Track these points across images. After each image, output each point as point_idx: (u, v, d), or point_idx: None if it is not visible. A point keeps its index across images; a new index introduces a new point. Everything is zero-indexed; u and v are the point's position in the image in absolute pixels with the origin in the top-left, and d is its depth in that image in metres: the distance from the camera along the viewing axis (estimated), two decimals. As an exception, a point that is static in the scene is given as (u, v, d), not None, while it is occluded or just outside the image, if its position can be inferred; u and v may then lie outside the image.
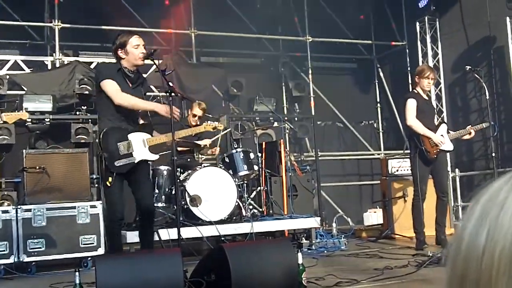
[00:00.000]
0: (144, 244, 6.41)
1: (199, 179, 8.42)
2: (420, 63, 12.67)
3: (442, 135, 8.33)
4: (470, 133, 8.49)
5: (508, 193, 0.89)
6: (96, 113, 6.86)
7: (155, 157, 6.30)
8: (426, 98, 8.53)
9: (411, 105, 8.28)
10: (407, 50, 13.82)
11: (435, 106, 12.33)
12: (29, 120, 9.79)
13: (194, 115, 9.39)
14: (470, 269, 0.88)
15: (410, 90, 8.62)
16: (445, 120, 12.08)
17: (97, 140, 6.20)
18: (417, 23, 12.83)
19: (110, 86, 6.08)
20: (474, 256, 0.87)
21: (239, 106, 12.44)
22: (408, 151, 8.83)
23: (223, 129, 8.03)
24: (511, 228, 0.85)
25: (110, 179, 5.99)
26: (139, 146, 6.15)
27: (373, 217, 10.94)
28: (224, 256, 5.24)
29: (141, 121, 6.43)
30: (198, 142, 9.00)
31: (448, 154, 9.00)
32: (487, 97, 8.66)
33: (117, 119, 6.12)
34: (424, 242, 8.18)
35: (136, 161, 6.11)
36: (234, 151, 9.18)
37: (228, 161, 9.07)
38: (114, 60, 6.37)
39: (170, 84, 6.13)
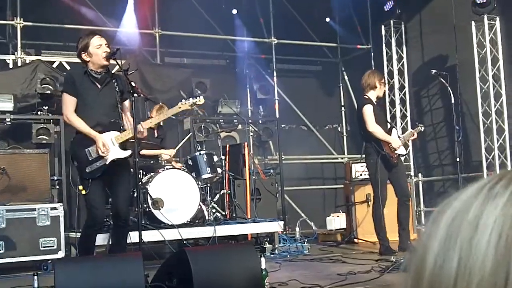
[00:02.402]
0: (115, 250, 6.30)
1: (161, 181, 8.35)
2: (385, 67, 12.73)
3: (397, 139, 8.38)
4: (413, 134, 8.59)
5: (480, 210, 0.74)
6: (58, 114, 6.76)
7: (127, 153, 6.17)
8: (376, 103, 8.53)
9: (369, 111, 8.28)
10: (372, 54, 13.88)
11: (399, 111, 12.44)
12: (-11, 120, 9.63)
13: None
14: None
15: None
16: (409, 124, 12.16)
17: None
18: (383, 27, 12.87)
19: (66, 102, 6.10)
20: (443, 286, 0.73)
21: (203, 108, 12.35)
22: (364, 157, 8.81)
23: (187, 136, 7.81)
24: (489, 255, 0.71)
25: (81, 187, 5.94)
26: (109, 146, 6.05)
27: (336, 221, 10.95)
28: (186, 261, 5.18)
29: (128, 114, 6.29)
30: (163, 152, 8.95)
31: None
32: (452, 101, 8.71)
33: (88, 123, 6.03)
34: (391, 248, 8.16)
35: (107, 162, 6.02)
36: (197, 153, 9.13)
37: (191, 163, 9.02)
38: (78, 60, 6.33)
39: (133, 84, 6.05)
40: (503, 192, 0.75)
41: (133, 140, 6.08)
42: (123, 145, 6.18)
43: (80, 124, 6.01)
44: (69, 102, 6.09)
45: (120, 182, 6.21)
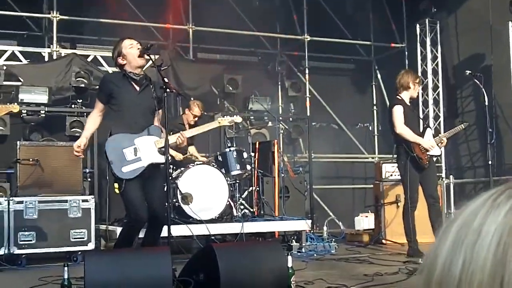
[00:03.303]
0: (148, 244, 6.30)
1: (191, 177, 8.41)
2: (419, 66, 12.65)
3: (429, 140, 8.30)
4: (442, 142, 8.47)
5: (484, 219, 0.83)
6: (91, 107, 6.83)
7: (163, 158, 6.19)
8: (409, 104, 8.47)
9: (399, 112, 8.21)
10: (406, 53, 13.79)
11: (432, 111, 12.35)
12: (25, 111, 9.77)
13: (195, 116, 9.35)
14: None
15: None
16: (442, 125, 12.08)
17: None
18: (417, 25, 12.77)
19: (95, 105, 6.29)
20: (449, 287, 0.82)
21: (234, 104, 12.41)
22: (395, 158, 8.75)
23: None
24: (489, 259, 0.79)
25: (117, 185, 5.95)
26: (148, 149, 6.06)
27: (365, 221, 10.92)
28: (214, 256, 5.23)
29: (157, 123, 6.35)
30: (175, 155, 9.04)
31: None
32: (486, 103, 8.63)
33: (125, 124, 6.08)
34: (419, 251, 8.12)
35: (145, 165, 6.04)
36: (227, 150, 9.17)
37: (221, 159, 9.06)
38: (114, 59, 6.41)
39: (166, 80, 6.09)
40: (506, 202, 0.84)
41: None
42: (161, 150, 6.21)
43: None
44: (95, 105, 6.27)
45: (155, 185, 6.20)
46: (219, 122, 7.24)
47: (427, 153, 8.20)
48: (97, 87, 6.90)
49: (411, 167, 8.16)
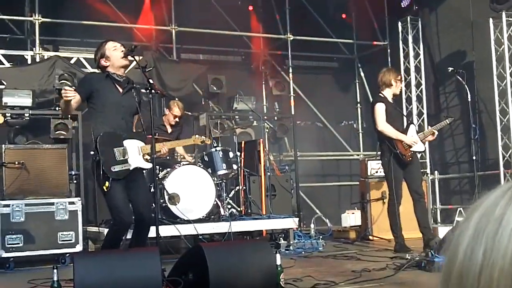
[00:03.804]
0: (135, 245, 6.28)
1: (178, 177, 8.42)
2: (402, 64, 12.71)
3: (412, 136, 8.36)
4: (433, 134, 8.53)
5: (505, 208, 0.84)
6: (76, 109, 6.77)
7: (149, 165, 6.18)
8: (391, 101, 8.53)
9: (381, 109, 8.27)
10: (389, 50, 13.85)
11: (415, 108, 12.42)
12: (9, 115, 9.73)
13: (175, 116, 9.37)
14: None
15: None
16: (426, 121, 12.15)
17: (93, 145, 6.07)
18: (399, 23, 12.84)
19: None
20: (470, 275, 0.83)
21: (218, 104, 12.42)
22: (379, 155, 8.81)
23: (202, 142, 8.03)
24: (509, 247, 0.81)
25: (107, 183, 5.88)
26: (134, 153, 6.06)
27: (351, 218, 10.97)
28: (203, 256, 5.24)
29: (134, 129, 6.35)
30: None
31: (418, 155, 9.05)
32: (469, 99, 8.69)
33: (108, 125, 6.04)
34: (406, 246, 8.18)
35: (131, 168, 6.03)
36: (213, 149, 9.18)
37: (207, 159, 9.08)
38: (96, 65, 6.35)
39: (151, 81, 6.09)
40: None
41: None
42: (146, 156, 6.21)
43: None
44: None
45: (140, 187, 6.18)
46: (194, 141, 7.80)
47: (410, 149, 8.25)
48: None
49: (395, 164, 8.22)
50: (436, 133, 8.59)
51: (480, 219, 0.86)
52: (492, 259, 0.81)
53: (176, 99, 9.87)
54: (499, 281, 0.80)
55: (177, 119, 9.39)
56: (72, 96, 5.78)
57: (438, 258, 6.26)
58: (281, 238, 9.14)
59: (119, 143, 6.01)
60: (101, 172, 5.87)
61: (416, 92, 12.57)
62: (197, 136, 7.73)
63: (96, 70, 6.67)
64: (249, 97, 12.23)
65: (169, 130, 9.39)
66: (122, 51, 6.09)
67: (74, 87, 6.28)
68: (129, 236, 6.55)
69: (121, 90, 6.10)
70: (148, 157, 6.10)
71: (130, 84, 6.21)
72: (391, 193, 8.36)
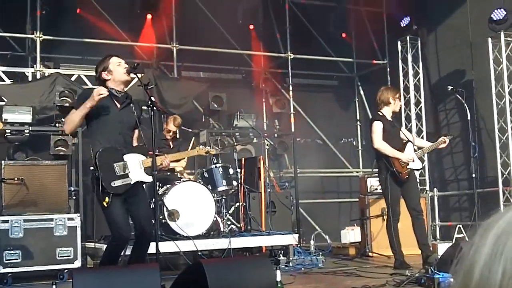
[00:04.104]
0: (135, 261, 6.25)
1: (177, 193, 8.42)
2: (401, 82, 12.76)
3: (409, 154, 8.38)
4: (444, 142, 8.54)
5: None
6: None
7: (150, 178, 6.21)
8: (391, 119, 8.56)
9: (378, 127, 8.31)
10: (388, 69, 13.92)
11: (414, 126, 12.44)
12: (9, 131, 9.75)
13: (169, 131, 9.43)
14: None
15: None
16: (425, 139, 12.17)
17: (92, 161, 6.07)
18: (399, 42, 12.91)
19: (70, 115, 6.16)
20: None
21: (219, 121, 12.46)
22: (377, 171, 8.83)
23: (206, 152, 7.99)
24: None
25: (107, 199, 5.86)
26: (135, 167, 6.07)
27: (351, 235, 10.96)
28: (203, 272, 5.22)
29: (135, 143, 6.35)
30: (175, 165, 9.06)
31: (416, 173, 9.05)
32: (468, 117, 8.71)
33: (106, 141, 6.06)
34: (405, 263, 8.17)
35: (132, 182, 6.04)
36: (213, 166, 9.19)
37: (207, 176, 9.08)
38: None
39: (152, 98, 6.11)
40: None
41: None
42: (148, 170, 6.21)
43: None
44: (70, 114, 6.16)
45: (140, 202, 6.18)
46: (198, 152, 7.67)
47: (407, 167, 8.27)
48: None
49: (391, 181, 8.25)
50: (447, 140, 8.55)
51: (497, 238, 0.82)
52: None
53: (172, 116, 9.87)
54: None
55: (171, 134, 9.43)
56: (106, 93, 5.85)
57: (438, 275, 6.25)
58: (280, 255, 9.12)
59: (119, 158, 6.01)
60: (101, 188, 5.87)
61: (415, 110, 12.60)
62: (201, 146, 7.74)
63: (94, 87, 6.67)
64: (249, 114, 12.26)
65: (171, 145, 9.43)
66: (125, 67, 6.12)
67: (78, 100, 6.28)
68: (128, 252, 6.55)
69: (119, 105, 6.11)
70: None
71: (129, 99, 6.23)
72: (389, 210, 8.38)
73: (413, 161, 8.32)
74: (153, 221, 6.42)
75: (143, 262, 6.22)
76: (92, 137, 6.18)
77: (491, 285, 0.80)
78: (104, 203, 5.85)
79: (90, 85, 11.08)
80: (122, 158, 6.02)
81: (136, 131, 6.32)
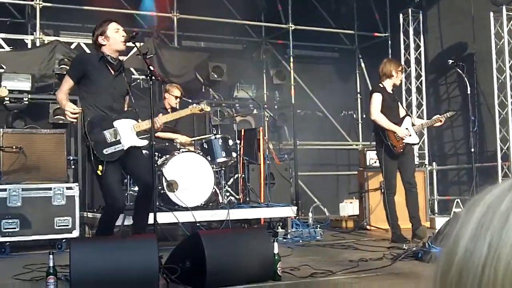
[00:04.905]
0: (137, 228, 6.27)
1: (176, 164, 8.40)
2: (402, 55, 12.70)
3: (407, 128, 8.34)
4: (440, 121, 8.48)
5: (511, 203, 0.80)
6: (75, 94, 6.74)
7: (144, 142, 6.21)
8: (391, 92, 8.52)
9: (377, 99, 8.28)
10: (389, 42, 13.86)
11: (415, 99, 12.41)
12: (7, 98, 9.70)
13: (176, 97, 9.29)
14: (466, 284, 0.79)
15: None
16: (425, 113, 12.14)
17: (82, 132, 6.08)
18: (401, 15, 12.82)
19: (63, 82, 6.19)
20: (471, 271, 0.78)
21: (219, 92, 12.39)
22: (375, 145, 8.81)
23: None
24: None
25: (100, 167, 5.87)
26: (127, 132, 6.07)
27: (349, 207, 11.00)
28: (200, 244, 5.23)
29: (126, 108, 6.35)
30: (176, 136, 8.98)
31: (415, 146, 9.03)
32: (469, 92, 8.67)
33: (99, 107, 6.05)
34: (403, 236, 8.17)
35: (125, 148, 6.04)
36: (213, 137, 9.16)
37: (206, 147, 9.05)
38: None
39: (151, 68, 6.08)
40: None
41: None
42: (141, 134, 6.22)
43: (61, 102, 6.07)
44: (65, 82, 6.16)
45: (139, 159, 6.22)
46: (191, 110, 7.18)
47: (403, 141, 8.24)
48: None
49: (387, 155, 8.24)
50: (443, 119, 8.49)
51: (484, 213, 0.81)
52: (497, 255, 0.77)
53: (173, 84, 9.77)
54: (505, 277, 0.76)
55: (178, 100, 9.30)
56: (78, 114, 5.86)
57: (435, 248, 6.26)
58: (279, 227, 9.11)
59: (109, 125, 6.02)
60: (93, 156, 5.88)
61: (416, 83, 12.56)
62: (194, 105, 7.43)
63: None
64: (249, 85, 12.22)
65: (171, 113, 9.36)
66: (123, 36, 6.09)
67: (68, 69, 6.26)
68: (126, 222, 6.56)
69: (113, 72, 6.11)
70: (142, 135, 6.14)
71: (122, 67, 6.24)
72: (386, 183, 8.39)
73: (410, 135, 8.30)
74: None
75: (147, 212, 6.20)
76: (84, 101, 6.16)
77: (475, 260, 0.78)
78: (98, 171, 5.87)
79: (89, 53, 11.02)
80: (112, 125, 6.03)
81: (127, 97, 6.32)
